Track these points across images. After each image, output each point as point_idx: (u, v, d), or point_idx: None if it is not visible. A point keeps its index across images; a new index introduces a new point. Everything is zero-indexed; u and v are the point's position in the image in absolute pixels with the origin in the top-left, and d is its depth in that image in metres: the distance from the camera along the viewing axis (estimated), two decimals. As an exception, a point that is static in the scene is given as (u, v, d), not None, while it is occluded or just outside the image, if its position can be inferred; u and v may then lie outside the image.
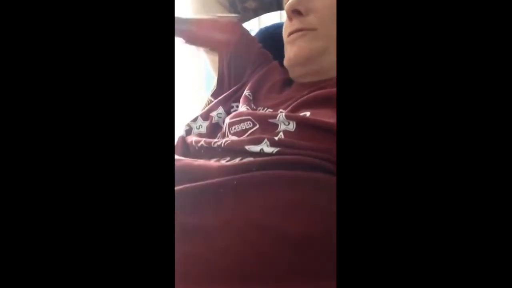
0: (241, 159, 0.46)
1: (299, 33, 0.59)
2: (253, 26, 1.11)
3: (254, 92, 0.64)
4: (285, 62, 0.63)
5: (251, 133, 0.52)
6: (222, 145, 0.50)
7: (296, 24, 0.59)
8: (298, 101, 0.55)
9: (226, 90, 0.72)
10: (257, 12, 0.76)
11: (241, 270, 0.37)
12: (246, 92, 0.63)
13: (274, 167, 0.43)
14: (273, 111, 0.54)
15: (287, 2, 0.58)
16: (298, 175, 0.42)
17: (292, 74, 0.64)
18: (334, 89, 0.54)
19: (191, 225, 0.40)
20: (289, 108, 0.54)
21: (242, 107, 0.59)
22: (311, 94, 0.55)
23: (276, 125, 0.50)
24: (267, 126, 0.51)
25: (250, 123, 0.53)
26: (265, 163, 0.43)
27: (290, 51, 0.61)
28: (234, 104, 0.64)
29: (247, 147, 0.47)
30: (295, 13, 0.58)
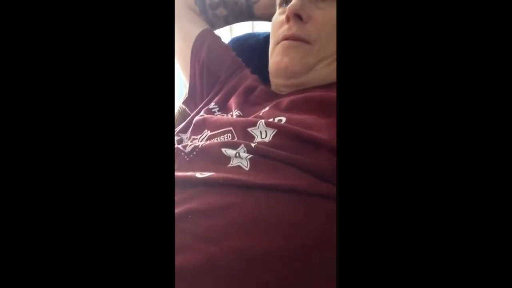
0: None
1: (294, 43, 0.58)
2: (225, 35, 1.11)
3: (225, 100, 0.64)
4: (272, 67, 0.62)
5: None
6: (198, 148, 0.50)
7: (293, 29, 0.58)
8: (273, 106, 0.55)
9: (199, 97, 0.72)
10: (227, 20, 0.77)
11: None
12: (211, 105, 0.63)
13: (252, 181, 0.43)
14: (250, 117, 0.54)
15: (289, 4, 0.58)
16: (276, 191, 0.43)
17: (274, 81, 0.64)
18: (312, 93, 0.54)
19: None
20: (264, 113, 0.54)
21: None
22: (286, 99, 0.56)
23: (253, 136, 0.50)
24: (245, 135, 0.51)
25: (229, 136, 0.52)
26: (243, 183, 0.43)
27: (280, 60, 0.60)
28: (216, 109, 0.64)
29: (223, 150, 0.47)
30: (296, 17, 0.57)
